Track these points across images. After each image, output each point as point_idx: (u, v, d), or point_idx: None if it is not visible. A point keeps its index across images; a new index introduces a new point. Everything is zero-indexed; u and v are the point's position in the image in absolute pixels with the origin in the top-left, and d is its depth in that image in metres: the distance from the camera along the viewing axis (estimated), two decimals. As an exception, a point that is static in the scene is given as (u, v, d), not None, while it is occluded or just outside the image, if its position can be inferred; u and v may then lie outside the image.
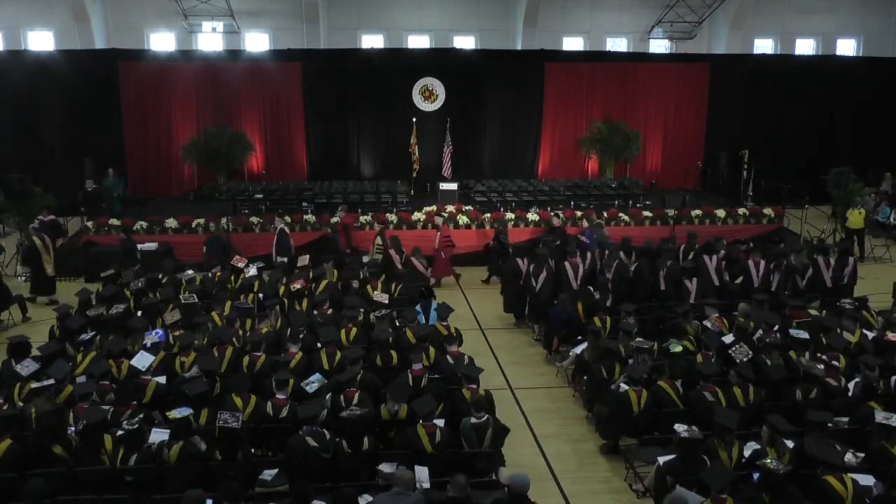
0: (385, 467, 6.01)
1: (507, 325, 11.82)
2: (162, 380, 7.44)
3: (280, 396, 6.90)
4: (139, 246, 13.51)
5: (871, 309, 9.92)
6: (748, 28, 22.22)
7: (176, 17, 20.08)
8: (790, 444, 6.19)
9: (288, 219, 14.41)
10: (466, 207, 15.91)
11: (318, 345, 8.23)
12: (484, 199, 17.25)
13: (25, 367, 7.41)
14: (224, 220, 14.13)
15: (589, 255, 11.62)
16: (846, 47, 23.27)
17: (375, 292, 10.14)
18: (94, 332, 8.77)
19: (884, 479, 5.78)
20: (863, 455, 6.16)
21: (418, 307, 9.84)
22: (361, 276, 11.27)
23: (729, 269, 11.48)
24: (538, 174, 20.78)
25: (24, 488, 5.31)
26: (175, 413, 6.21)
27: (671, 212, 15.94)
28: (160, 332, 8.56)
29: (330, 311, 9.46)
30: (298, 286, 10.33)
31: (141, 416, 6.56)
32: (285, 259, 12.93)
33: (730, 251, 11.94)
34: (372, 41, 21.72)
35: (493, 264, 14.03)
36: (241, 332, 8.76)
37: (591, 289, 10.62)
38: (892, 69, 21.57)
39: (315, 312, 9.47)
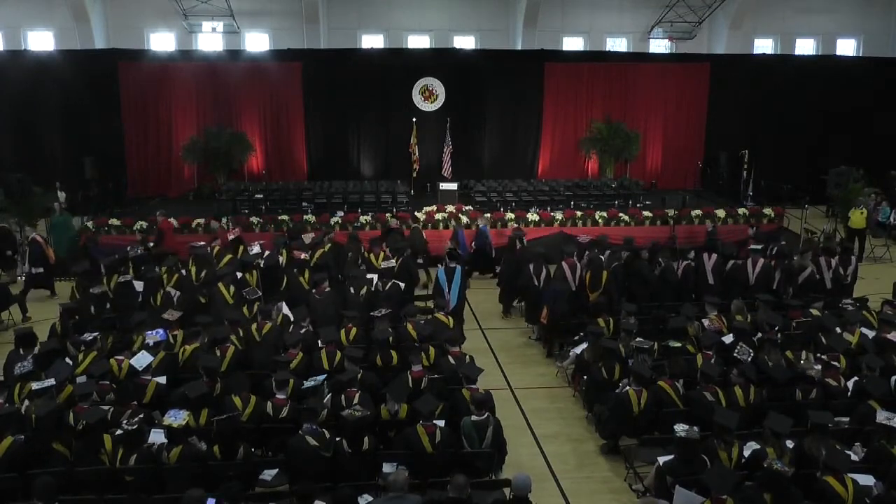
0: (387, 468, 6.02)
1: (507, 325, 11.82)
2: (162, 380, 7.44)
3: (280, 396, 6.90)
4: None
5: (871, 309, 9.91)
6: (748, 28, 22.21)
7: (176, 17, 20.10)
8: (790, 444, 6.19)
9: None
10: (466, 207, 15.91)
11: (318, 345, 8.24)
12: (484, 199, 17.24)
13: (20, 368, 7.42)
14: (224, 220, 14.09)
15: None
16: (846, 47, 23.26)
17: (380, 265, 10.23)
18: (94, 333, 8.76)
19: (884, 479, 5.78)
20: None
21: (442, 273, 9.83)
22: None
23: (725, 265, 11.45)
24: (538, 174, 20.80)
25: (34, 486, 5.30)
26: (170, 419, 6.19)
27: (671, 212, 15.95)
28: (161, 331, 8.55)
29: (328, 290, 9.53)
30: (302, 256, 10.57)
31: (141, 416, 6.55)
32: (41, 269, 12.30)
33: (725, 248, 11.86)
34: (372, 41, 21.72)
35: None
36: (246, 313, 8.94)
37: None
38: (892, 69, 21.58)
39: (313, 290, 9.57)
